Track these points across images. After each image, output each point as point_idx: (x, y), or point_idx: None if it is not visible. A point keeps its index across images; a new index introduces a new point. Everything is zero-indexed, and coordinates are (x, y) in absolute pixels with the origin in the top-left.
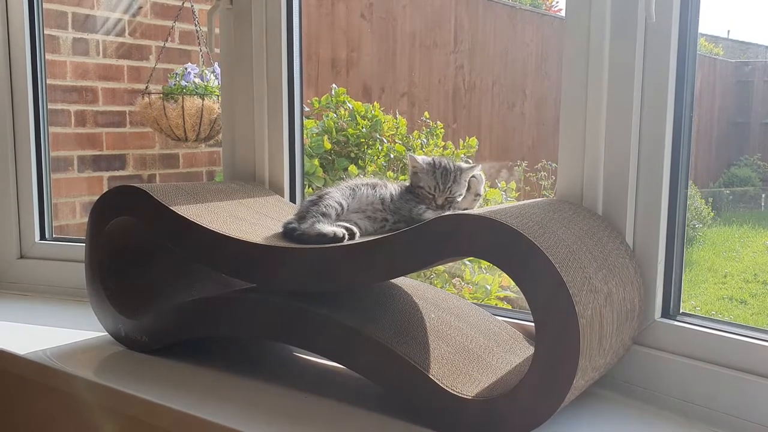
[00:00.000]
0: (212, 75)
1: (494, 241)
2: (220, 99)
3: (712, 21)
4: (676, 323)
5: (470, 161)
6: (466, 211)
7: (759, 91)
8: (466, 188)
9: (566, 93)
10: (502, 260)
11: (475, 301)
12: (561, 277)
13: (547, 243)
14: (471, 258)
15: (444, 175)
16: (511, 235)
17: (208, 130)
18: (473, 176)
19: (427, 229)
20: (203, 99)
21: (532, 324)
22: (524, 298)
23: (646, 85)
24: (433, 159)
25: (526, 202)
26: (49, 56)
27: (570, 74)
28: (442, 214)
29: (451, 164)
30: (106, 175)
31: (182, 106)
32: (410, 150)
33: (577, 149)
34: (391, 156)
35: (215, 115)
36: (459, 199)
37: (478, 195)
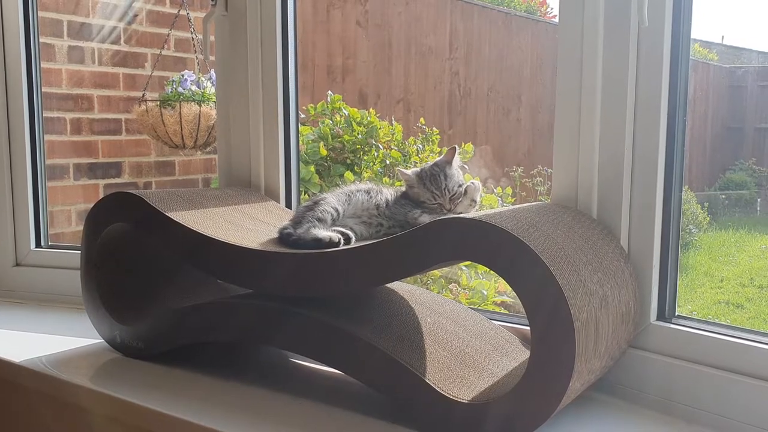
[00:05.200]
0: (209, 82)
1: (487, 243)
2: (216, 105)
3: (706, 26)
4: (671, 326)
5: (466, 167)
6: (458, 215)
7: (753, 95)
8: (462, 177)
9: (560, 97)
10: (496, 263)
11: (471, 306)
12: (556, 280)
13: (541, 245)
14: (468, 263)
15: (434, 180)
16: (503, 237)
17: (206, 136)
18: (471, 183)
19: (419, 234)
20: (200, 105)
21: (529, 328)
22: (520, 302)
23: (640, 89)
24: (419, 169)
25: (520, 206)
26: (44, 64)
27: (564, 79)
28: (435, 219)
29: (433, 167)
30: (102, 182)
31: (180, 113)
32: (406, 156)
33: (572, 153)
34: (387, 162)
35: (212, 122)
36: (461, 192)
37: (474, 201)
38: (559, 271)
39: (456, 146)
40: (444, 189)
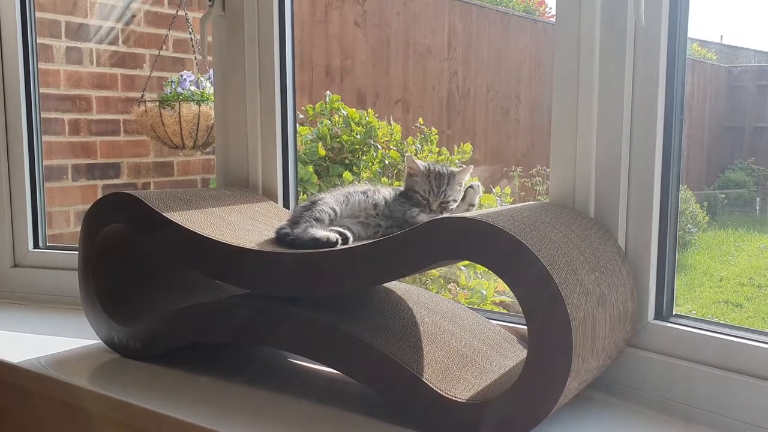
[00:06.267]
0: (208, 82)
1: (484, 243)
2: (213, 105)
3: (704, 26)
4: (669, 325)
5: (464, 166)
6: (454, 215)
7: (751, 94)
8: (461, 192)
9: (557, 97)
10: (493, 262)
11: (470, 305)
12: (553, 279)
13: (538, 245)
14: (466, 262)
15: (438, 179)
16: (500, 237)
17: (206, 136)
18: (470, 186)
19: (416, 233)
20: (200, 105)
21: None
22: (517, 301)
23: (637, 88)
24: (428, 164)
25: (517, 205)
26: (42, 65)
27: (561, 78)
28: (433, 218)
29: (444, 169)
30: (100, 183)
31: (179, 113)
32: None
33: (569, 152)
34: (386, 162)
35: (212, 121)
36: (453, 206)
37: (471, 205)
38: (556, 270)
39: (471, 166)
40: (441, 192)
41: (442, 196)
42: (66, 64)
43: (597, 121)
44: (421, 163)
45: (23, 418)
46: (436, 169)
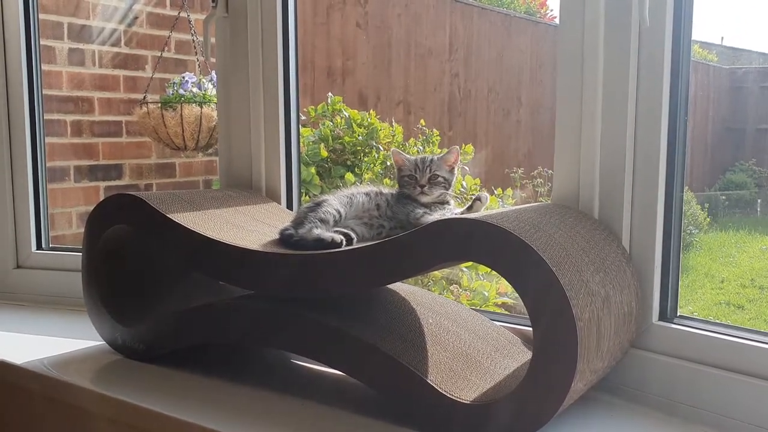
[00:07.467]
0: (210, 84)
1: (490, 244)
2: (216, 107)
3: (706, 28)
4: (673, 326)
5: (466, 168)
6: (459, 215)
7: (753, 96)
8: (453, 175)
9: (561, 98)
10: (498, 264)
11: (473, 307)
12: (558, 280)
13: (543, 246)
14: (469, 264)
15: (422, 160)
16: (506, 238)
17: (207, 138)
18: (478, 198)
19: (420, 234)
20: (201, 107)
21: (530, 329)
22: (522, 302)
23: (641, 89)
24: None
25: (522, 206)
26: (45, 66)
27: (565, 79)
28: (438, 219)
29: (432, 155)
30: (102, 185)
31: (181, 115)
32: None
33: (573, 153)
34: (388, 163)
35: (214, 123)
36: (446, 189)
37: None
38: (562, 271)
39: (458, 147)
40: (426, 168)
41: (428, 170)
42: (68, 66)
43: (601, 122)
44: (406, 155)
45: (26, 420)
46: (423, 156)
